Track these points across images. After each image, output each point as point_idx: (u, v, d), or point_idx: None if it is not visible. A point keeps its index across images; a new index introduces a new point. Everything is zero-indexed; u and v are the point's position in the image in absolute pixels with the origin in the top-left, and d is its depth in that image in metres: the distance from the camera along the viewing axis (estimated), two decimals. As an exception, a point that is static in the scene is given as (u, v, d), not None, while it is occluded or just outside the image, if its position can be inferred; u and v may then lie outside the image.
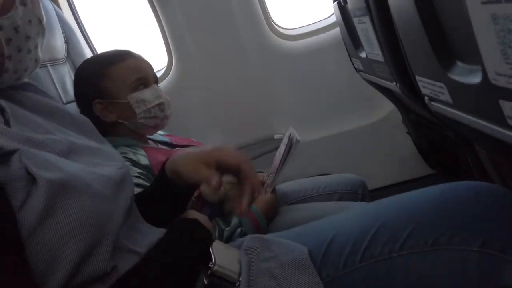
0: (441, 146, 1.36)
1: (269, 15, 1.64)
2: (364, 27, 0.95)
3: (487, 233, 0.50)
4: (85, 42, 1.49)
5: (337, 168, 1.64)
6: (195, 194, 1.02)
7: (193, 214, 0.71)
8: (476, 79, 0.47)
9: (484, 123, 0.52)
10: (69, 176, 0.48)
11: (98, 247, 0.47)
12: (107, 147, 0.69)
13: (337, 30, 1.52)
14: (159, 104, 1.07)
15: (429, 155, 1.57)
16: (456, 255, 0.52)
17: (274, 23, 1.66)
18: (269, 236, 0.71)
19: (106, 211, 0.51)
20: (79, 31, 1.47)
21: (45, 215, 0.44)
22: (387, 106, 1.61)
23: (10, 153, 0.44)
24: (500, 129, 0.47)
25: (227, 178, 1.02)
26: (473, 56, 0.45)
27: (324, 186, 1.23)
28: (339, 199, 1.20)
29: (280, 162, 1.05)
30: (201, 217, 0.71)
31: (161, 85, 1.64)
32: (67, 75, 1.20)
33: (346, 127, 1.67)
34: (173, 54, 1.62)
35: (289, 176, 1.35)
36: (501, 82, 0.41)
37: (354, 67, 1.34)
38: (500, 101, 0.43)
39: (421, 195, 0.58)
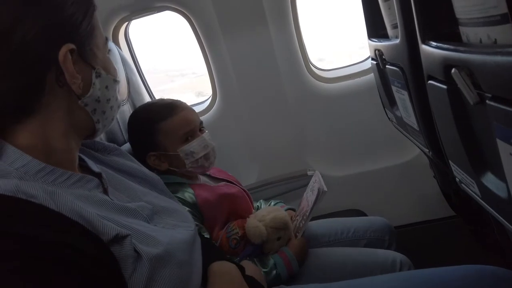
0: (465, 197, 1.43)
1: (308, 58, 1.75)
2: (402, 98, 1.04)
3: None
4: (141, 81, 1.63)
5: (365, 203, 1.74)
6: (240, 233, 1.14)
7: (249, 267, 0.81)
8: (503, 194, 0.57)
9: (508, 224, 0.61)
10: (163, 251, 0.60)
11: None
12: (179, 206, 0.81)
13: (372, 75, 1.62)
14: (205, 154, 1.19)
15: (453, 200, 1.65)
16: None
17: (313, 65, 1.77)
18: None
19: (188, 274, 0.64)
20: (135, 69, 1.61)
21: (148, 285, 0.56)
22: (416, 149, 1.69)
23: (124, 237, 0.56)
24: (521, 237, 0.57)
25: (270, 223, 1.13)
26: (503, 176, 0.55)
27: (353, 230, 1.32)
28: (366, 244, 1.30)
29: (310, 210, 1.16)
30: (254, 270, 0.82)
31: (204, 117, 1.78)
32: (128, 114, 1.33)
33: (375, 166, 1.76)
34: (217, 90, 1.75)
35: (320, 210, 1.45)
36: (523, 210, 0.51)
37: (388, 116, 1.43)
38: (522, 221, 0.53)
39: (449, 275, 0.68)
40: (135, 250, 0.57)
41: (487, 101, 0.50)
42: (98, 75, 0.65)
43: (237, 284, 0.69)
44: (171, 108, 1.20)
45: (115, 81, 0.70)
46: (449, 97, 0.63)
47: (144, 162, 1.16)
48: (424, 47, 0.73)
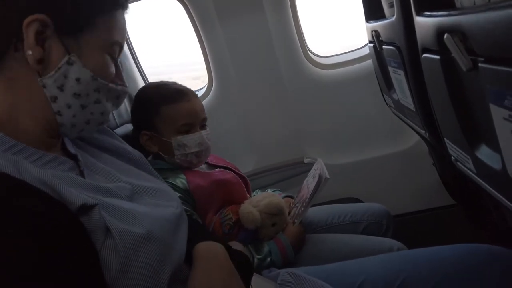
0: (463, 182, 1.41)
1: (306, 44, 1.72)
2: (399, 78, 1.02)
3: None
4: (135, 65, 1.61)
5: (363, 192, 1.72)
6: (233, 218, 1.12)
7: (236, 246, 0.79)
8: (498, 165, 0.55)
9: (503, 198, 0.59)
10: (139, 226, 0.56)
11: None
12: (163, 185, 0.77)
13: (370, 62, 1.59)
14: (197, 152, 1.15)
15: (452, 187, 1.63)
16: None
17: (310, 51, 1.75)
18: (301, 272, 0.79)
19: (167, 252, 0.59)
20: (129, 54, 1.59)
21: (125, 262, 0.53)
22: (414, 137, 1.67)
23: (92, 206, 0.53)
24: (516, 210, 0.55)
25: (264, 209, 1.11)
26: (497, 146, 0.53)
27: (350, 214, 1.30)
28: (364, 229, 1.28)
29: (310, 197, 1.13)
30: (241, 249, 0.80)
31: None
32: (121, 99, 1.31)
33: (373, 154, 1.73)
34: (213, 77, 1.73)
35: (317, 198, 1.43)
36: (517, 179, 0.49)
37: (386, 102, 1.41)
38: (516, 192, 0.51)
39: (443, 253, 0.66)
40: (105, 224, 0.54)
41: (479, 64, 0.48)
42: (71, 63, 0.58)
43: (226, 269, 0.65)
44: (179, 94, 1.17)
45: (94, 79, 0.60)
46: (442, 66, 0.61)
47: (137, 139, 1.15)
48: (418, 19, 0.71)
